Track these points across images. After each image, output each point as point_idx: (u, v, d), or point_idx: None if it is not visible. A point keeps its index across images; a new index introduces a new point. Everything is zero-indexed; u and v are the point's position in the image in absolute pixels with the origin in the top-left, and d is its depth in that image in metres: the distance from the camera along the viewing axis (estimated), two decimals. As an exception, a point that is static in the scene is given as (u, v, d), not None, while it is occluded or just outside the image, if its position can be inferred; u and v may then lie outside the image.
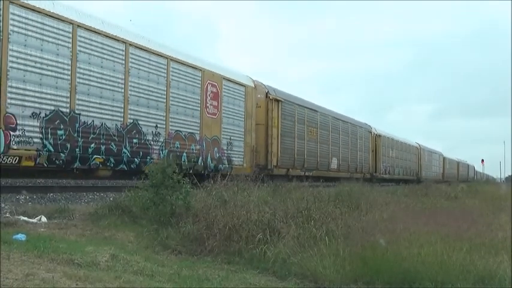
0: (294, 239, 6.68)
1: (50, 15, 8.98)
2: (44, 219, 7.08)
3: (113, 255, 5.41)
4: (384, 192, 15.11)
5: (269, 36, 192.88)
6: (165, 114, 11.70)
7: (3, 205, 7.52)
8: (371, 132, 27.50)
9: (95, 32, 9.93)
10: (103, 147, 9.92)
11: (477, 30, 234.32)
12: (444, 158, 47.66)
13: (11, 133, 8.22)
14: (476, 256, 6.01)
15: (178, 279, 5.24)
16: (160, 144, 11.47)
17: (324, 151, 20.72)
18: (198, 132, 12.86)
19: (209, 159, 13.17)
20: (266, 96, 16.45)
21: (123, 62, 10.58)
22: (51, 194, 9.33)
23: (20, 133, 8.37)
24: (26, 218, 6.93)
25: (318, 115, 20.39)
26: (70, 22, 9.37)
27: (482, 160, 60.77)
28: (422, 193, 16.77)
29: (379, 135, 28.63)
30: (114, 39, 10.39)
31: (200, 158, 12.80)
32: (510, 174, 65.65)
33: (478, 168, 70.05)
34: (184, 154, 12.19)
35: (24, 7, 8.54)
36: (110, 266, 5.13)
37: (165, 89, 11.76)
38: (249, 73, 16.67)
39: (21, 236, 5.68)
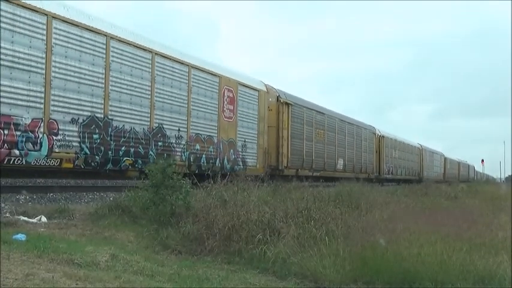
0: (294, 239, 6.67)
1: (87, 29, 9.75)
2: (44, 219, 7.08)
3: (112, 255, 5.44)
4: (384, 192, 15.11)
5: (269, 36, 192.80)
6: (186, 119, 12.46)
7: (3, 205, 7.55)
8: (375, 134, 28.16)
9: (126, 42, 10.71)
10: (132, 150, 10.68)
11: (477, 30, 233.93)
12: (445, 159, 48.34)
13: (54, 137, 8.99)
14: (476, 256, 6.02)
15: (178, 279, 5.24)
16: (182, 146, 12.24)
17: (330, 152, 21.43)
18: (216, 135, 13.63)
19: (226, 160, 13.95)
20: (277, 100, 17.14)
21: (150, 70, 11.35)
22: (51, 194, 9.43)
23: (61, 137, 9.13)
24: (26, 218, 6.94)
25: (325, 117, 21.11)
26: (104, 34, 10.16)
27: (482, 160, 61.13)
28: (422, 193, 16.70)
29: (383, 136, 29.28)
30: (142, 49, 11.17)
31: (217, 160, 13.60)
32: (510, 174, 66.12)
33: (478, 168, 70.62)
34: (204, 156, 13.01)
35: (65, 21, 9.29)
36: (110, 266, 5.13)
37: (187, 94, 12.53)
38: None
39: (21, 236, 5.68)
